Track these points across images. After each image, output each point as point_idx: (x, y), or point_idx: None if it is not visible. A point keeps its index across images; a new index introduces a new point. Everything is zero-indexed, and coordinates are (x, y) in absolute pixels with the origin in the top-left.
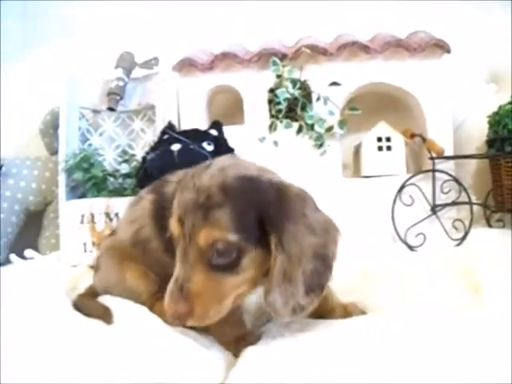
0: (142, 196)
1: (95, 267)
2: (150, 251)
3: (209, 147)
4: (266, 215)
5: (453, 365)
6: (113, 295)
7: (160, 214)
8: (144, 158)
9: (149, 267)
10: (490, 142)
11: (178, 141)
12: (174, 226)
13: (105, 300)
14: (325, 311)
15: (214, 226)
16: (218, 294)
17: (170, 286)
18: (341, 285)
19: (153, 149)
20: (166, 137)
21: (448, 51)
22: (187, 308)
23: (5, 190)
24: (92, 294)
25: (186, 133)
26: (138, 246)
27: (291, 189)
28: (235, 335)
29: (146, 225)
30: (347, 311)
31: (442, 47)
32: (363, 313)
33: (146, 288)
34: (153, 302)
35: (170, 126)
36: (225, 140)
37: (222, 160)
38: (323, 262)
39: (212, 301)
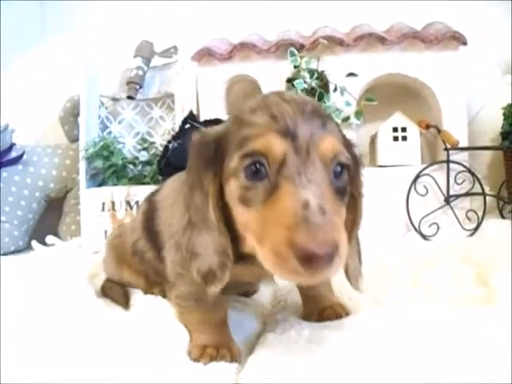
0: (142, 202)
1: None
2: (146, 260)
3: None
4: (354, 153)
5: (458, 359)
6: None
7: (148, 224)
8: (166, 147)
9: (147, 274)
10: (505, 134)
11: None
12: (275, 142)
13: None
14: (317, 309)
15: (334, 136)
16: (342, 225)
17: (297, 212)
18: None
19: (175, 138)
20: (187, 126)
21: (464, 43)
22: (337, 238)
23: (26, 177)
24: None
25: (207, 122)
26: (137, 255)
27: None
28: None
29: (140, 237)
30: (336, 312)
31: (458, 39)
32: (348, 314)
33: (141, 285)
34: (147, 290)
35: (191, 116)
36: None
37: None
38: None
39: (344, 232)
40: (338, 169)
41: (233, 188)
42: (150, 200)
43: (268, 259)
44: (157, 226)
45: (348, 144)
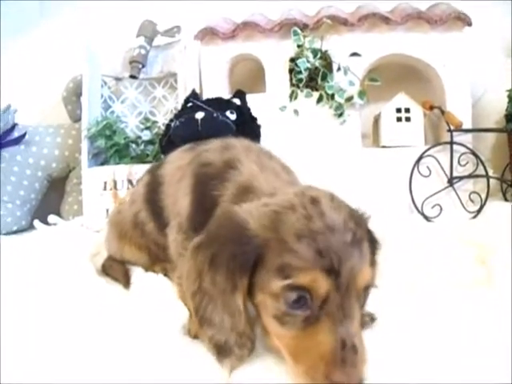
0: (143, 175)
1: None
2: (147, 233)
3: (232, 116)
4: (374, 242)
5: (458, 340)
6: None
7: (151, 197)
8: (168, 126)
9: (146, 247)
10: (509, 117)
11: (201, 109)
12: (320, 281)
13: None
14: None
15: (367, 263)
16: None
17: (335, 350)
18: None
19: (177, 116)
20: (189, 105)
21: (469, 24)
22: (365, 371)
23: (28, 157)
24: None
25: (209, 101)
26: (137, 227)
27: None
28: None
29: (142, 209)
30: None
31: (463, 20)
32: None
33: (142, 261)
34: (148, 267)
35: (193, 94)
36: (248, 109)
37: (308, 187)
38: None
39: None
40: (368, 291)
41: (269, 306)
42: (154, 173)
43: (301, 379)
44: (161, 200)
45: (370, 233)
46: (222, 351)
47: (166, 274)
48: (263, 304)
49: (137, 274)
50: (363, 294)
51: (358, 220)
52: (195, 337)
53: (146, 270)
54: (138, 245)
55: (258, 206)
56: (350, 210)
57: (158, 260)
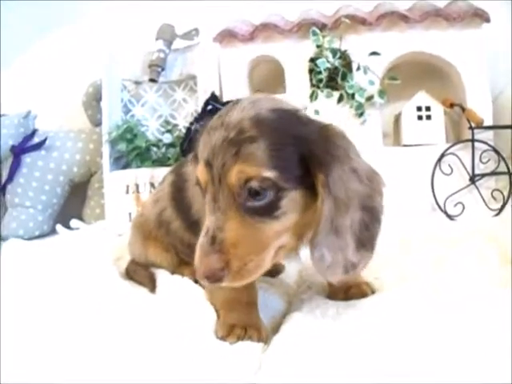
0: (166, 175)
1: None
2: (172, 231)
3: None
4: (309, 151)
5: (482, 338)
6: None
7: (178, 195)
8: (188, 129)
9: (173, 246)
10: None
11: None
12: (200, 171)
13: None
14: (342, 288)
15: (247, 162)
16: (257, 244)
17: (200, 239)
18: (380, 252)
19: (197, 120)
20: (209, 107)
21: (487, 20)
22: (222, 262)
23: (49, 162)
24: None
25: (229, 104)
26: (162, 226)
27: (334, 127)
28: None
29: (167, 207)
30: (362, 290)
31: (481, 16)
32: (374, 293)
33: (167, 262)
34: (175, 269)
35: (213, 97)
36: None
37: (254, 95)
38: (371, 215)
39: (250, 252)
40: (257, 190)
41: None
42: (178, 172)
43: None
44: (188, 197)
45: (301, 141)
46: None
47: (195, 280)
48: None
49: (162, 277)
50: (244, 192)
51: (263, 122)
52: (222, 338)
53: (173, 272)
54: (164, 245)
55: None
56: (267, 115)
57: (184, 261)
